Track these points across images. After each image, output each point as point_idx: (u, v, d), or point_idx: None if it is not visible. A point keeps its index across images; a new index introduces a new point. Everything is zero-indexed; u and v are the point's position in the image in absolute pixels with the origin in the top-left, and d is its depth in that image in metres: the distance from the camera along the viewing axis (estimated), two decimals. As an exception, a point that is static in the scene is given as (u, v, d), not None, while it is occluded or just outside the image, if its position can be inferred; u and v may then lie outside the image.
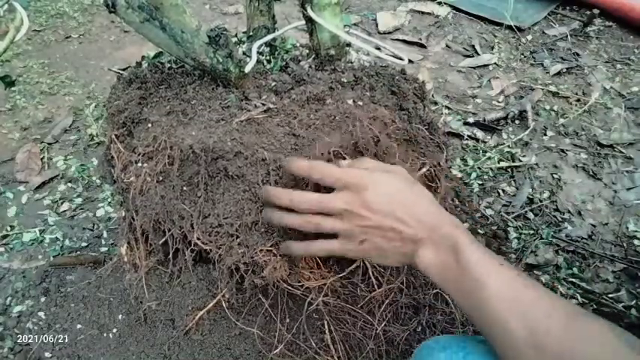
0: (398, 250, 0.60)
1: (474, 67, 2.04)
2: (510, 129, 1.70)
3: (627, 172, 1.50)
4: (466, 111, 1.79)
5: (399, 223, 0.58)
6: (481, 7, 2.38)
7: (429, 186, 0.86)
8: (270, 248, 0.72)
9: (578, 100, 1.80)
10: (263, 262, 0.72)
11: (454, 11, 2.42)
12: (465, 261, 0.54)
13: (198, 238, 0.74)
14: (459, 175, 1.51)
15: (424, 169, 0.82)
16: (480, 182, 1.49)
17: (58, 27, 2.47)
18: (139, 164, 0.78)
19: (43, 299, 1.15)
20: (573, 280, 1.19)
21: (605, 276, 1.20)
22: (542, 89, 1.86)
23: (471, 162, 1.55)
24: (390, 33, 2.30)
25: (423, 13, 2.43)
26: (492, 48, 2.14)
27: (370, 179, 0.59)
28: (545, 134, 1.66)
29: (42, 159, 1.62)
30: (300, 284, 0.77)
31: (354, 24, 2.37)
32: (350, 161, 0.68)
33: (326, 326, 0.87)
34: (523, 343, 0.47)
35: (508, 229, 1.33)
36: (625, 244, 1.28)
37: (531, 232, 1.32)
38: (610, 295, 1.15)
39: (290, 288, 0.76)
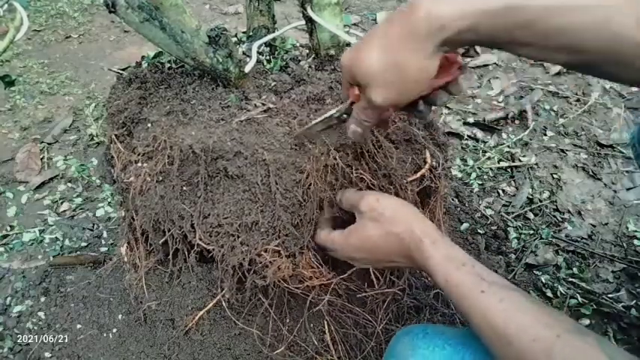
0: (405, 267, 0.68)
1: (473, 67, 2.04)
2: (510, 129, 1.70)
3: (627, 172, 1.50)
4: (466, 111, 1.79)
5: (388, 263, 0.66)
6: (481, 7, 2.38)
7: (429, 186, 0.86)
8: (276, 248, 0.72)
9: (578, 100, 1.80)
10: (269, 262, 0.72)
11: (454, 11, 2.42)
12: (447, 293, 0.56)
13: (200, 239, 0.74)
14: (459, 175, 1.51)
15: (424, 170, 0.82)
16: (480, 182, 1.49)
17: (58, 27, 2.47)
18: (139, 164, 0.78)
19: (42, 299, 1.15)
20: (573, 280, 1.19)
21: (605, 276, 1.20)
22: (542, 89, 1.86)
23: (470, 162, 1.55)
24: (390, 33, 2.29)
25: (423, 13, 2.43)
26: (492, 48, 2.14)
27: (346, 253, 0.69)
28: (545, 134, 1.66)
29: (42, 159, 1.62)
30: (300, 284, 0.77)
31: (354, 24, 2.37)
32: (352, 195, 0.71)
33: (326, 326, 0.87)
34: None
35: (508, 229, 1.33)
36: (625, 244, 1.28)
37: (531, 232, 1.32)
38: (610, 295, 1.15)
39: (290, 288, 0.76)
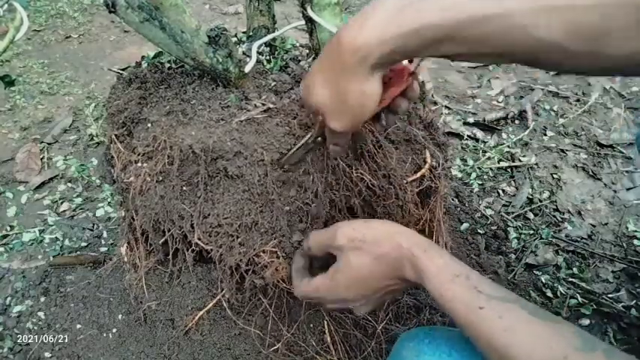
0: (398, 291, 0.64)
1: (473, 67, 2.04)
2: (510, 129, 1.70)
3: (627, 172, 1.50)
4: (466, 111, 1.79)
5: (385, 289, 0.62)
6: (481, 7, 2.38)
7: (429, 186, 0.86)
8: (273, 249, 0.72)
9: (578, 100, 1.80)
10: (267, 263, 0.72)
11: (454, 11, 2.42)
12: (442, 308, 0.55)
13: (199, 238, 0.74)
14: (459, 175, 1.51)
15: (424, 170, 0.82)
16: (480, 182, 1.49)
17: (57, 27, 2.47)
18: (139, 164, 0.78)
19: (42, 299, 1.15)
20: (573, 280, 1.19)
21: (605, 276, 1.20)
22: (542, 89, 1.86)
23: (470, 162, 1.55)
24: (390, 33, 2.30)
25: (423, 13, 2.43)
26: (492, 48, 2.14)
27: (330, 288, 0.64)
28: (545, 134, 1.66)
29: (42, 159, 1.62)
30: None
31: (354, 24, 2.37)
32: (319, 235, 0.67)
33: (326, 326, 0.87)
34: None
35: (508, 229, 1.33)
36: (625, 244, 1.28)
37: (531, 232, 1.32)
38: (610, 295, 1.15)
39: (289, 288, 0.76)
